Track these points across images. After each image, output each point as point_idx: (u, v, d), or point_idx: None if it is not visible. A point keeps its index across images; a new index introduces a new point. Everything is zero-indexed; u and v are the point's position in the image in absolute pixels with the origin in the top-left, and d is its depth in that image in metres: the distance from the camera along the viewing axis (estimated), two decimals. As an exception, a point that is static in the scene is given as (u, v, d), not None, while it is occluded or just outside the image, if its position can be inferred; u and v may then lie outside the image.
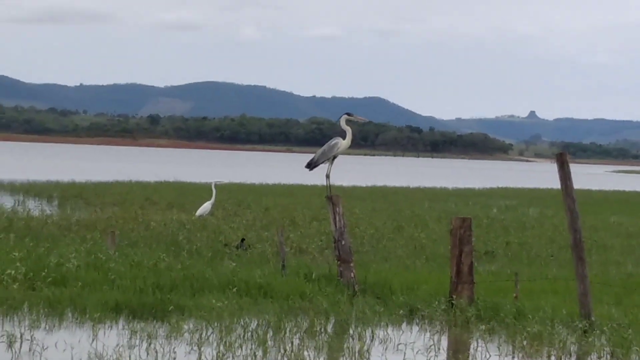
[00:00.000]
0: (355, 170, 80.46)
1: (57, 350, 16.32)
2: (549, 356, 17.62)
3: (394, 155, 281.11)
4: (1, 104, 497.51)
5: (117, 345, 16.60)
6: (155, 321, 18.49)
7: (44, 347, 16.21)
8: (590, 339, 18.23)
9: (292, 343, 17.08)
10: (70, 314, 19.27)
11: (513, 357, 17.75)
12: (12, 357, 16.00)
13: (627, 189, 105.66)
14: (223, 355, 16.13)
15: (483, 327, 19.48)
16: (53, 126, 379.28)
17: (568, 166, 21.64)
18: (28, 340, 16.73)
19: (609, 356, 17.47)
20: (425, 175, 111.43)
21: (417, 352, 17.18)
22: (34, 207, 43.25)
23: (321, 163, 25.55)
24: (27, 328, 17.76)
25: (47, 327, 18.25)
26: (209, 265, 24.78)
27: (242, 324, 18.35)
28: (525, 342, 18.11)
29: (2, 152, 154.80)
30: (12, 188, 59.67)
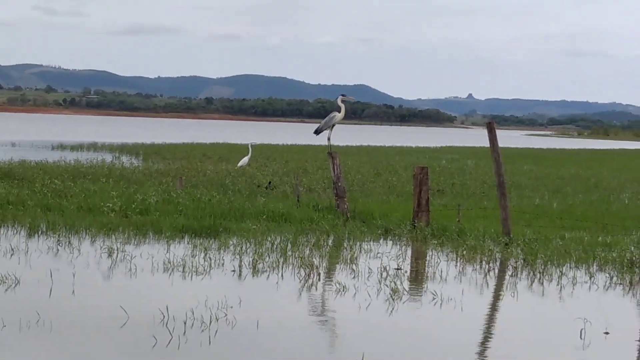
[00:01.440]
0: (347, 135, 78.47)
1: (142, 259, 16.46)
2: (480, 262, 17.68)
3: (375, 125, 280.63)
4: (104, 90, 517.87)
5: (183, 254, 17.00)
6: (209, 238, 18.76)
7: (133, 256, 16.49)
8: (509, 250, 18.57)
9: (304, 253, 17.36)
10: (150, 234, 19.49)
11: (456, 262, 17.82)
12: (111, 263, 16.21)
13: (535, 146, 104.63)
14: (256, 261, 16.45)
15: (435, 241, 19.83)
16: (139, 106, 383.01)
17: (494, 131, 22.25)
18: (122, 252, 16.98)
19: (522, 261, 17.53)
20: (396, 138, 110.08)
21: (390, 259, 17.47)
22: (126, 161, 42.96)
23: (324, 130, 26.16)
24: (121, 243, 17.92)
25: (135, 243, 18.40)
26: (247, 200, 24.82)
27: (270, 240, 18.69)
28: (464, 252, 18.48)
29: (103, 124, 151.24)
30: (111, 148, 56.50)
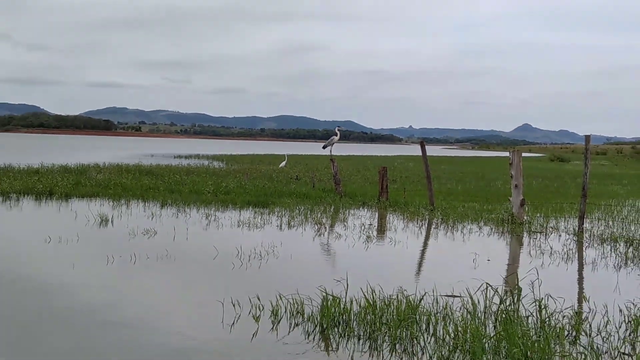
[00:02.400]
0: (340, 149, 77.77)
1: (226, 219, 16.19)
2: (417, 220, 17.60)
3: (356, 143, 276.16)
4: (202, 124, 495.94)
5: (249, 217, 16.79)
6: (263, 207, 18.76)
7: (220, 218, 16.40)
8: (433, 213, 18.59)
9: (317, 216, 17.39)
10: (230, 205, 18.94)
11: (403, 221, 17.51)
12: (208, 222, 15.94)
13: (447, 155, 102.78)
14: (290, 221, 16.48)
15: (391, 209, 19.83)
16: (223, 133, 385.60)
17: (424, 147, 22.16)
18: (214, 215, 16.80)
19: (440, 220, 17.49)
20: (368, 151, 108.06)
21: (365, 219, 17.55)
22: (216, 164, 42.49)
23: (328, 146, 26.23)
24: (213, 211, 17.69)
25: (221, 210, 17.90)
26: (284, 186, 24.66)
27: (297, 208, 18.70)
28: (408, 215, 18.55)
29: (202, 144, 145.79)
30: (207, 157, 55.79)
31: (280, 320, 7.76)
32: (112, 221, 15.45)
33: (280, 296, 8.34)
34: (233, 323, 7.64)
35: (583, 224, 16.25)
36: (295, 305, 8.05)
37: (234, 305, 8.17)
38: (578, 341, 7.12)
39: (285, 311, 7.97)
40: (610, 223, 17.92)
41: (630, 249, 13.88)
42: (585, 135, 16.99)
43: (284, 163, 36.26)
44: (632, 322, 7.78)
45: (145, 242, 12.81)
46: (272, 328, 7.52)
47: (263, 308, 8.09)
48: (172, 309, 8.27)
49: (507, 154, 19.26)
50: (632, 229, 16.73)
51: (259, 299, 8.32)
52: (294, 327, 7.56)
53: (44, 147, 63.20)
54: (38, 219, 15.83)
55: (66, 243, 12.39)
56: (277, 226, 15.72)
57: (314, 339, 7.21)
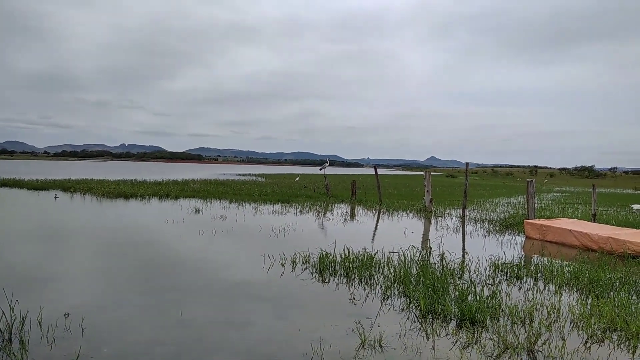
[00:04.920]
0: (329, 170, 77.01)
1: (265, 210, 16.04)
2: (372, 210, 17.68)
3: (338, 167, 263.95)
4: (251, 157, 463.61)
5: (278, 208, 16.67)
6: (286, 203, 18.77)
7: (262, 209, 16.39)
8: (381, 205, 18.60)
9: (317, 207, 17.42)
10: (268, 202, 18.86)
11: (365, 210, 17.44)
12: (254, 212, 15.71)
13: (390, 174, 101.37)
14: (301, 210, 16.47)
15: (358, 204, 19.76)
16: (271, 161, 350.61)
17: (376, 169, 22.13)
18: (259, 208, 16.83)
19: (385, 209, 17.56)
20: (344, 172, 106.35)
21: (343, 210, 17.52)
22: (260, 179, 40.92)
23: (322, 169, 26.17)
24: (258, 205, 17.60)
25: (262, 204, 17.82)
26: (298, 191, 24.68)
27: (306, 204, 18.71)
28: (367, 207, 18.57)
29: (255, 169, 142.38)
30: (255, 175, 53.65)
31: (296, 266, 7.76)
32: (202, 211, 15.45)
33: (296, 252, 8.35)
34: (269, 267, 7.64)
35: (464, 211, 16.28)
36: (305, 257, 8.07)
37: (269, 258, 8.19)
38: (462, 277, 7.12)
39: (299, 261, 7.98)
40: (479, 211, 17.98)
41: (491, 226, 13.92)
42: (466, 163, 17.08)
43: (297, 178, 36.16)
44: (492, 266, 7.81)
45: (220, 223, 12.80)
46: (292, 270, 7.51)
47: (287, 259, 8.10)
48: (235, 260, 8.26)
49: (422, 173, 19.29)
50: (491, 214, 16.79)
51: (284, 254, 8.33)
52: (304, 270, 7.54)
53: (163, 170, 63.06)
54: (161, 210, 15.80)
55: (176, 223, 12.41)
56: (294, 213, 15.68)
57: (315, 276, 7.19)
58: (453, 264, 7.63)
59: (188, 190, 22.83)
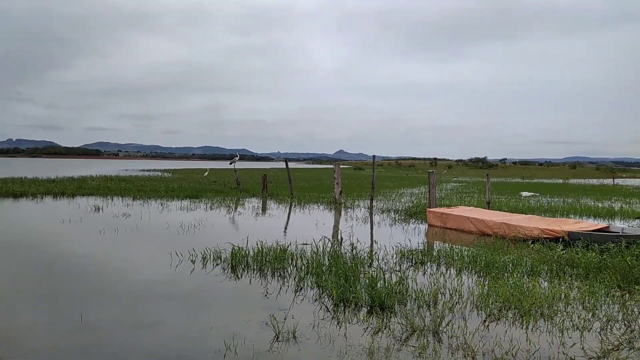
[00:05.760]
0: (239, 165, 72.44)
1: (172, 206, 15.43)
2: (284, 204, 17.66)
3: (248, 161, 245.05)
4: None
5: (186, 204, 16.05)
6: (195, 199, 18.11)
7: (169, 205, 15.76)
8: (292, 199, 18.68)
9: (227, 202, 17.06)
10: (175, 198, 18.29)
11: (276, 203, 17.39)
12: (161, 209, 15.10)
13: (300, 167, 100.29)
14: (211, 206, 16.04)
15: (269, 197, 19.64)
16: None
17: (287, 162, 22.19)
18: (165, 204, 16.08)
19: (296, 203, 17.64)
20: (255, 166, 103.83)
21: (255, 204, 17.31)
22: (167, 175, 38.30)
23: (232, 163, 25.71)
24: (165, 201, 16.80)
25: (169, 200, 17.15)
26: (207, 186, 23.85)
27: (215, 199, 18.26)
28: (278, 200, 18.50)
29: (161, 164, 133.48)
30: (160, 170, 50.20)
31: (207, 262, 7.56)
32: (102, 209, 14.56)
33: (207, 248, 8.13)
34: (177, 265, 7.38)
35: (372, 202, 16.82)
36: (216, 253, 7.88)
37: (178, 255, 7.91)
38: (372, 265, 7.34)
39: (210, 257, 7.78)
40: (386, 201, 18.67)
41: (396, 215, 14.52)
42: (372, 155, 17.68)
43: (206, 173, 35.13)
44: (399, 254, 8.15)
45: (123, 221, 12.15)
46: (202, 267, 7.31)
47: (197, 255, 7.87)
48: (141, 259, 7.89)
49: (332, 166, 19.58)
50: (397, 204, 17.50)
51: (194, 250, 8.09)
52: (215, 266, 7.38)
53: (57, 167, 58.54)
54: (55, 209, 14.69)
55: (74, 222, 11.61)
56: (204, 209, 15.27)
57: (227, 272, 7.06)
58: (363, 253, 7.85)
59: (86, 188, 21.41)
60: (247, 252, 7.69)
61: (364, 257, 7.63)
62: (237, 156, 25.59)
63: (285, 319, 4.98)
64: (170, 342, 4.33)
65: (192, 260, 7.61)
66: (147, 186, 22.97)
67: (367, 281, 6.08)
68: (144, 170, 50.09)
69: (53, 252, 8.16)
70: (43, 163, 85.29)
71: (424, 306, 5.40)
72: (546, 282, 6.50)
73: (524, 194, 24.86)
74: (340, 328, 4.78)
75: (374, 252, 8.07)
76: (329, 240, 8.82)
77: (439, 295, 5.76)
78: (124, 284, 6.24)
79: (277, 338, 4.46)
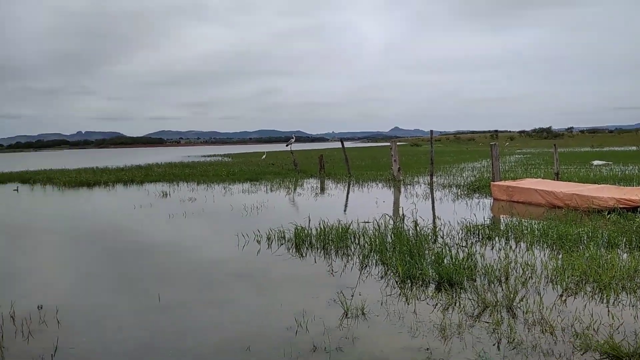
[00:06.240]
0: (295, 147, 74.02)
1: (235, 189, 15.84)
2: (342, 183, 17.65)
3: (303, 143, 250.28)
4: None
5: (247, 187, 16.46)
6: (255, 181, 18.51)
7: (231, 189, 16.24)
8: (350, 177, 18.64)
9: (286, 184, 17.30)
10: (236, 181, 18.73)
11: (334, 183, 17.43)
12: (224, 192, 15.47)
13: (356, 146, 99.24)
14: (271, 187, 16.20)
15: (327, 177, 19.77)
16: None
17: (343, 142, 22.10)
18: (228, 188, 16.48)
19: (354, 180, 17.63)
20: (310, 147, 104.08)
21: (313, 184, 17.34)
22: (227, 159, 39.15)
23: (288, 145, 25.97)
24: (227, 185, 17.40)
25: (231, 184, 17.57)
26: (266, 169, 24.26)
27: (275, 181, 18.54)
28: (336, 180, 18.55)
29: (220, 149, 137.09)
30: (221, 155, 51.03)
31: (271, 242, 7.70)
32: (169, 194, 15.15)
33: (270, 229, 8.28)
34: (244, 245, 7.57)
35: (432, 178, 16.49)
36: (280, 233, 8.02)
37: (244, 236, 8.09)
38: (436, 241, 7.21)
39: (275, 237, 7.92)
40: (446, 177, 18.24)
41: (458, 190, 14.16)
42: (430, 130, 17.26)
43: (264, 156, 35.62)
44: (464, 229, 7.94)
45: (189, 205, 12.60)
46: (268, 247, 7.46)
47: (262, 236, 8.03)
48: (209, 241, 8.16)
49: (388, 144, 19.33)
50: (458, 179, 17.07)
51: (259, 231, 8.25)
52: (280, 245, 7.50)
53: (124, 156, 61.39)
54: (127, 196, 15.45)
55: (144, 208, 12.16)
56: (264, 191, 15.53)
57: (292, 251, 7.17)
58: (426, 230, 7.73)
59: (153, 175, 22.30)
60: (309, 231, 7.76)
61: (428, 233, 7.51)
62: (292, 138, 25.78)
63: (352, 296, 4.99)
64: (242, 319, 4.46)
65: (257, 241, 7.77)
66: (210, 171, 23.62)
67: (432, 257, 5.98)
68: (205, 156, 51.66)
69: (129, 237, 8.60)
70: (111, 153, 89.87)
71: (495, 282, 5.25)
72: (626, 255, 6.13)
73: (595, 162, 23.50)
74: (408, 304, 4.74)
75: (437, 228, 7.92)
76: (391, 217, 8.74)
77: (510, 270, 5.57)
78: (195, 265, 6.48)
79: (346, 315, 4.48)
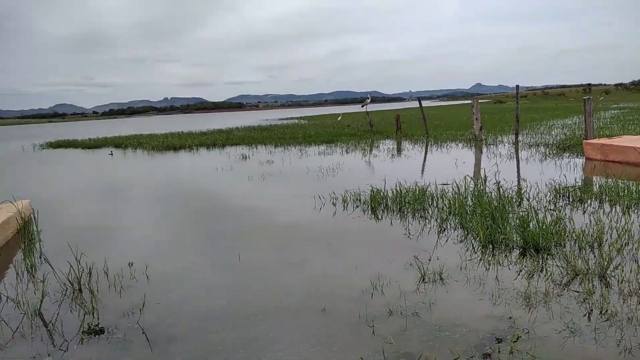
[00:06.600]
0: (370, 107, 73.49)
1: (311, 151, 16.03)
2: (419, 144, 17.29)
3: (379, 103, 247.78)
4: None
5: (323, 149, 16.72)
6: (331, 143, 18.62)
7: (307, 151, 16.37)
8: (428, 137, 18.19)
9: (362, 145, 17.23)
10: (312, 143, 18.97)
11: (411, 144, 17.11)
12: (300, 154, 15.65)
13: (434, 105, 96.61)
14: (347, 149, 16.28)
15: (404, 138, 19.41)
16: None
17: (420, 101, 21.41)
18: (304, 150, 16.70)
19: (432, 140, 17.15)
20: (386, 107, 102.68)
21: (389, 145, 17.22)
22: (303, 122, 39.45)
23: (364, 106, 25.63)
24: (303, 147, 17.62)
25: (307, 146, 17.83)
26: (341, 130, 24.32)
27: (350, 143, 18.53)
28: (413, 141, 18.18)
29: (296, 112, 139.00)
30: (297, 118, 52.04)
31: (347, 204, 7.69)
32: (249, 157, 15.58)
33: (346, 191, 8.27)
34: (321, 208, 7.61)
35: (517, 137, 15.61)
36: (356, 195, 7.98)
37: (320, 198, 8.14)
38: (521, 204, 6.84)
39: (350, 199, 7.90)
40: (533, 135, 17.24)
41: (547, 149, 13.32)
42: (516, 85, 16.24)
43: (339, 118, 35.55)
44: (552, 191, 7.47)
45: (267, 167, 12.87)
46: (343, 209, 7.45)
47: (337, 198, 8.04)
48: (286, 202, 8.28)
49: (469, 101, 18.49)
50: (546, 138, 16.06)
51: (334, 193, 8.27)
52: (355, 208, 7.47)
53: (206, 121, 63.78)
54: (209, 158, 16.08)
55: (226, 170, 12.59)
56: (340, 153, 15.52)
57: (368, 213, 7.11)
58: (510, 192, 7.34)
59: (233, 138, 23.01)
60: (385, 193, 7.65)
61: (512, 196, 7.13)
62: (368, 98, 25.36)
63: (429, 260, 4.87)
64: (318, 280, 4.50)
65: (333, 203, 7.79)
66: (287, 134, 23.97)
67: (517, 221, 5.67)
68: (281, 119, 52.47)
69: (211, 198, 8.96)
70: (194, 118, 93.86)
71: (586, 248, 4.89)
72: None
73: None
74: (490, 270, 4.54)
75: (523, 191, 7.50)
76: (471, 179, 8.39)
77: (604, 235, 5.16)
78: (273, 226, 6.62)
79: (423, 279, 4.38)
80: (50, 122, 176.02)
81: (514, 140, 15.54)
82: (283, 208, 7.76)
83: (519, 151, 13.46)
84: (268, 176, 11.11)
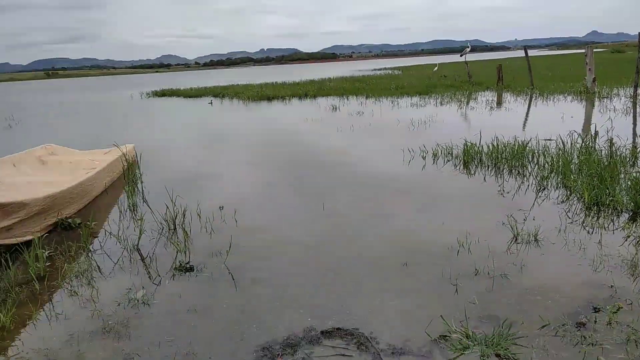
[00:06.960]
0: (470, 57, 68.64)
1: (403, 103, 15.57)
2: (521, 94, 16.09)
3: (479, 52, 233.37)
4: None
5: (416, 101, 16.11)
6: (425, 95, 18.00)
7: (399, 103, 15.96)
8: (532, 90, 16.91)
9: (458, 97, 16.43)
10: (405, 95, 18.44)
11: (513, 96, 16.01)
12: (392, 106, 15.23)
13: (542, 54, 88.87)
14: (442, 101, 15.57)
15: (505, 90, 18.21)
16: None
17: (526, 50, 19.80)
18: (396, 102, 16.22)
19: (537, 93, 15.97)
20: (488, 57, 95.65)
21: (488, 97, 16.27)
22: (397, 72, 38.85)
23: (463, 55, 24.22)
24: (395, 99, 17.10)
25: (399, 98, 17.42)
26: (437, 81, 23.31)
27: (446, 94, 17.73)
28: (516, 92, 16.97)
29: (391, 62, 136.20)
30: (391, 69, 49.88)
31: (437, 159, 7.41)
32: (339, 108, 15.49)
33: (438, 144, 7.95)
34: (410, 161, 7.41)
35: (637, 90, 13.96)
36: (447, 149, 7.65)
37: (409, 151, 7.92)
38: (636, 164, 6.16)
39: (441, 153, 7.60)
40: (658, 89, 15.31)
41: (673, 105, 11.81)
42: (639, 32, 14.33)
43: (436, 68, 33.89)
44: (677, 151, 6.61)
45: (357, 119, 12.72)
46: (433, 163, 7.20)
47: (427, 152, 7.77)
48: (375, 154, 8.13)
49: (582, 50, 16.77)
50: (674, 91, 14.20)
51: (424, 147, 8.00)
52: (446, 162, 7.18)
53: (300, 71, 64.16)
54: (301, 109, 16.23)
55: (316, 121, 12.65)
56: (434, 105, 14.94)
57: (460, 168, 6.81)
58: (624, 150, 6.61)
59: (325, 89, 22.96)
60: (480, 148, 7.24)
61: (626, 155, 6.42)
62: (468, 47, 23.89)
63: (525, 220, 4.56)
64: (403, 234, 4.40)
65: (422, 157, 7.55)
66: (379, 85, 23.44)
67: (629, 183, 5.12)
68: (375, 70, 51.28)
69: (300, 148, 9.06)
70: (289, 69, 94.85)
71: None
72: None
73: None
74: (592, 234, 4.16)
75: (638, 150, 6.72)
76: (579, 135, 7.67)
77: None
78: (360, 177, 6.56)
79: (516, 240, 4.12)
80: (157, 72, 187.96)
81: (632, 94, 13.95)
82: (370, 160, 7.65)
83: (637, 106, 12.07)
84: (357, 128, 10.97)
